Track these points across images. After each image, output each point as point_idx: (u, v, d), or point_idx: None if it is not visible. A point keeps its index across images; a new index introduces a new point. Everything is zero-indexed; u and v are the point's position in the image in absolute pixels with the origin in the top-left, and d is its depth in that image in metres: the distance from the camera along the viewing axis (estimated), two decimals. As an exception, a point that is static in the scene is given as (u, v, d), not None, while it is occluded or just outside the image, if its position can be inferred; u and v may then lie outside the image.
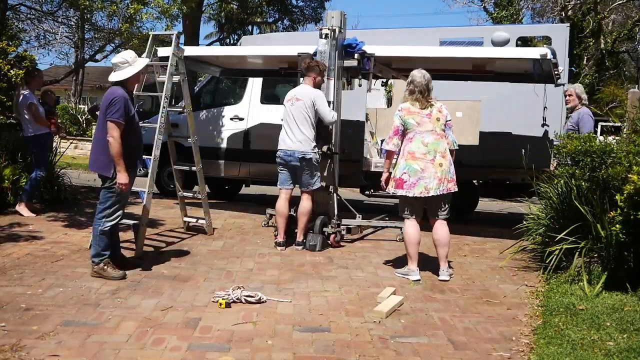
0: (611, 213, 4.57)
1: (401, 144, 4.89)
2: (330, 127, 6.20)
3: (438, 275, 4.94)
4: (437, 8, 75.66)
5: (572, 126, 6.48)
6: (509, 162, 7.35)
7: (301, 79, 6.15)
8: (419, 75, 4.88)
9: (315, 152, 5.85)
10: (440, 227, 4.92)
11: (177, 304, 4.04)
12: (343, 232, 6.27)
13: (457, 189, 4.90)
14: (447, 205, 4.94)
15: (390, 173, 4.95)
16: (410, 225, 4.94)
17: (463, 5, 30.63)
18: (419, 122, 4.81)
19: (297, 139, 5.79)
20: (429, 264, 5.30)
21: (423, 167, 4.77)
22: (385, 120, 11.12)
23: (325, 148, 6.06)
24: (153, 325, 3.62)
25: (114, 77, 4.79)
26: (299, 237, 5.92)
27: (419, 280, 4.86)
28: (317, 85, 5.96)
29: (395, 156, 4.98)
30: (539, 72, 6.44)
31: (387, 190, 5.00)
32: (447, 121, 4.90)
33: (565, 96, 6.84)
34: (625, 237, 4.47)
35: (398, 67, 7.32)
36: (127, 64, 4.81)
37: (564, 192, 5.24)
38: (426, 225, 5.07)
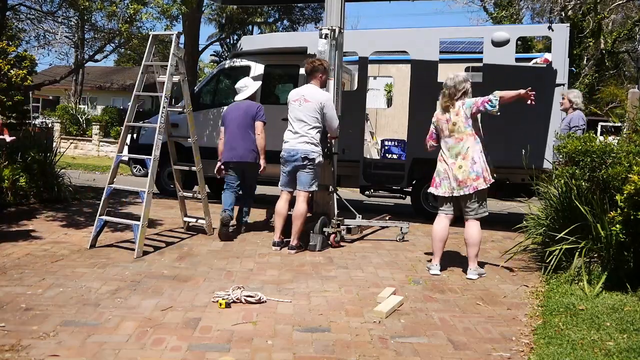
0: (611, 213, 4.57)
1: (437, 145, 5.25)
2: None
3: (466, 273, 5.10)
4: (437, 8, 75.84)
5: (565, 126, 6.64)
6: (508, 162, 7.37)
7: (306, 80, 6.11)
8: (449, 77, 5.10)
9: (319, 155, 5.82)
10: (470, 227, 5.09)
11: (177, 304, 4.04)
12: (343, 232, 6.27)
13: (487, 185, 5.00)
14: (475, 205, 5.04)
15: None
16: (438, 222, 5.20)
17: (463, 5, 30.68)
18: (442, 129, 5.10)
19: (302, 140, 5.75)
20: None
21: (445, 168, 5.08)
22: (385, 120, 11.15)
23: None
24: (153, 325, 3.62)
25: (243, 95, 6.62)
26: (293, 241, 5.80)
27: (438, 274, 5.07)
28: (323, 84, 5.98)
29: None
30: None
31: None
32: (466, 118, 4.99)
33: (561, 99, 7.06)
34: (625, 237, 4.47)
35: None
36: (246, 87, 6.67)
37: (564, 192, 5.25)
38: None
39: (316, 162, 5.80)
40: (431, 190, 5.24)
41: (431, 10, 76.83)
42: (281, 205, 5.90)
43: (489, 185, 5.02)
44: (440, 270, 5.14)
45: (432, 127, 5.28)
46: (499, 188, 8.68)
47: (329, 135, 6.08)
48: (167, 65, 5.87)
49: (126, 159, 8.52)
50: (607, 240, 4.62)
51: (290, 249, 5.77)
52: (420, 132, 8.05)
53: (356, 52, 8.36)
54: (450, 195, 5.08)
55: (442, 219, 5.18)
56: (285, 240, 5.92)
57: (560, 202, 5.28)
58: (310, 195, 5.98)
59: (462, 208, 5.12)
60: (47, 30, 11.81)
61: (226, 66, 9.60)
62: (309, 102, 5.77)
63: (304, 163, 5.76)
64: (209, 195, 6.88)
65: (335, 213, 6.26)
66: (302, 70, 8.82)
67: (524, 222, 5.83)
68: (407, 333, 3.65)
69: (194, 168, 6.30)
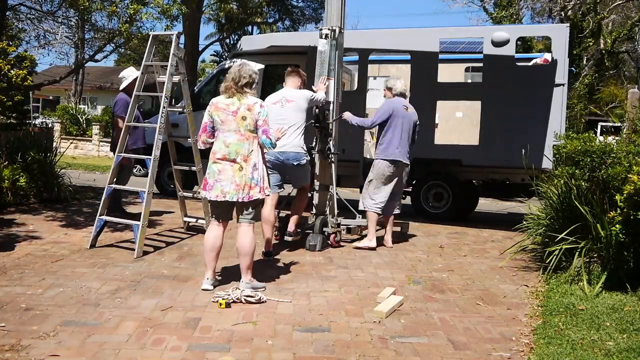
0: (611, 213, 4.57)
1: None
2: (331, 125, 6.20)
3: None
4: (437, 8, 75.86)
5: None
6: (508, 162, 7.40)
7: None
8: (235, 64, 4.53)
9: (307, 157, 5.72)
10: (242, 235, 4.41)
11: (177, 304, 4.04)
12: (343, 232, 6.27)
13: (265, 196, 4.48)
14: (252, 209, 4.42)
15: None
16: (209, 230, 4.51)
17: (463, 5, 30.72)
18: (223, 120, 4.39)
19: (292, 143, 5.56)
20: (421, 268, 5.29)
21: (221, 169, 4.35)
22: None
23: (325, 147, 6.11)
24: (153, 325, 3.62)
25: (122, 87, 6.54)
26: (291, 228, 5.75)
27: (210, 289, 4.36)
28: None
29: None
30: None
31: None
32: (256, 121, 4.36)
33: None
34: (625, 237, 4.47)
35: None
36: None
37: (564, 192, 5.24)
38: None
39: (305, 165, 5.73)
40: (204, 194, 4.48)
41: (431, 10, 76.71)
42: (268, 211, 5.54)
43: None
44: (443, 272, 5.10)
45: (206, 118, 4.52)
46: (499, 188, 8.74)
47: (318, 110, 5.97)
48: (167, 65, 5.87)
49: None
50: (607, 240, 4.62)
51: (288, 235, 5.74)
52: (420, 132, 8.11)
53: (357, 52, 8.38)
54: (222, 200, 4.44)
55: (213, 227, 4.53)
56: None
57: (560, 202, 5.28)
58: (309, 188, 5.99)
59: (237, 212, 4.53)
60: (47, 30, 11.83)
61: (226, 66, 9.60)
62: (292, 102, 5.63)
63: (297, 166, 5.64)
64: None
65: (335, 213, 6.26)
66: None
67: (524, 222, 5.83)
68: (407, 333, 3.65)
69: (194, 168, 6.30)
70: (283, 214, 6.22)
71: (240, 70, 4.42)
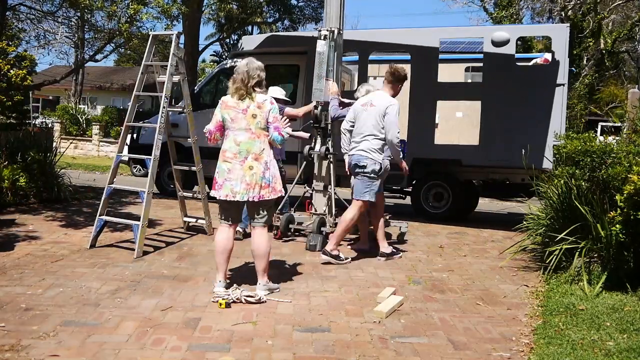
0: (611, 213, 4.57)
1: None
2: (329, 126, 6.21)
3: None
4: (437, 8, 75.86)
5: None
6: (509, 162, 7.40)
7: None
8: (242, 63, 4.39)
9: (375, 163, 5.40)
10: (257, 237, 4.36)
11: (177, 304, 4.04)
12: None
13: (277, 196, 4.38)
14: (264, 212, 4.36)
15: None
16: (220, 232, 4.41)
17: (463, 5, 30.73)
18: (233, 118, 4.30)
19: (360, 147, 5.42)
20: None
21: (231, 168, 4.27)
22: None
23: (323, 149, 6.13)
24: (153, 325, 3.62)
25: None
26: (330, 246, 5.46)
27: (221, 292, 4.21)
28: (395, 95, 5.64)
29: None
30: None
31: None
32: (268, 120, 4.29)
33: None
34: (625, 237, 4.47)
35: None
36: None
37: (564, 192, 5.24)
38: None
39: (371, 171, 5.43)
40: (213, 193, 4.40)
41: (431, 10, 76.74)
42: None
43: None
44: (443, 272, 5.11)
45: (219, 116, 4.39)
46: (499, 188, 8.74)
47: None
48: (167, 65, 5.87)
49: (126, 159, 8.53)
50: (607, 240, 4.62)
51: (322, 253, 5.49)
52: (420, 132, 8.12)
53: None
54: (232, 200, 4.36)
55: (224, 229, 4.44)
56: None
57: (560, 202, 5.28)
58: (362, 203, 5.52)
59: (250, 214, 4.50)
60: (47, 30, 11.83)
61: (226, 66, 9.60)
62: (374, 107, 5.44)
63: (357, 171, 5.48)
64: (208, 195, 6.88)
65: (334, 212, 6.26)
66: (301, 70, 8.86)
67: (524, 222, 5.83)
68: (407, 333, 3.65)
69: (194, 168, 6.30)
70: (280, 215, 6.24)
71: (249, 70, 4.32)
